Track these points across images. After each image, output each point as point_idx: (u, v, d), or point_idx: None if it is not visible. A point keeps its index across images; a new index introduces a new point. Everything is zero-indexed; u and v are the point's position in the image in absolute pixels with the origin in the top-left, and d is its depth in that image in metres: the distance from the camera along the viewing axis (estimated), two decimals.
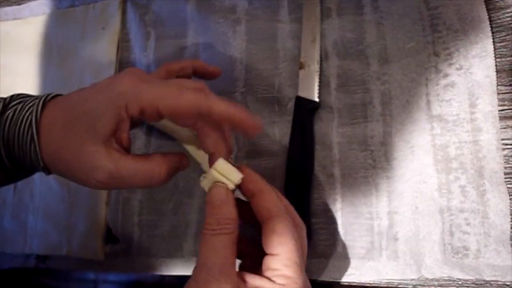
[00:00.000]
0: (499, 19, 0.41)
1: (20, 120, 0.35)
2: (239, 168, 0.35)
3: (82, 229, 0.51)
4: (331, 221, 0.42)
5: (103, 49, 0.53)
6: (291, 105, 0.45)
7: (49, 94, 0.36)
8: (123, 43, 0.53)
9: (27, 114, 0.35)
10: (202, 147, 0.35)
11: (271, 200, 0.34)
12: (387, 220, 0.41)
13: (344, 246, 0.41)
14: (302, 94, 0.44)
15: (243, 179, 0.34)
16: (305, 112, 0.44)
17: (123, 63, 0.53)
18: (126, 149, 0.35)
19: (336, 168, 0.43)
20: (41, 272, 0.55)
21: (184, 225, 0.47)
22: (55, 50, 0.56)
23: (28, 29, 0.58)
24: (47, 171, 0.35)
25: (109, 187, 0.37)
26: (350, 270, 0.41)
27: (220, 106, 0.32)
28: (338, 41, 0.45)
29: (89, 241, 0.50)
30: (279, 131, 0.45)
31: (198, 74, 0.44)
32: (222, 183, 0.33)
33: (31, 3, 0.58)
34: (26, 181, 0.55)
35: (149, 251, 0.48)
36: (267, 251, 0.32)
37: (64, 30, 0.56)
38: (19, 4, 0.59)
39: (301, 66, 0.45)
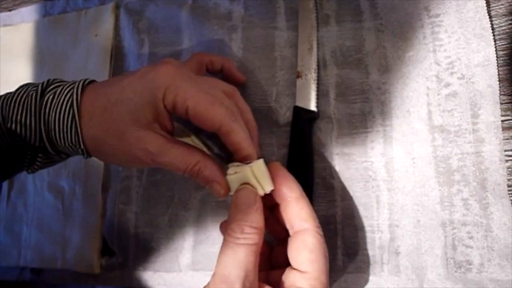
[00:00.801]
0: (501, 26, 0.40)
1: (60, 103, 0.35)
2: (272, 166, 0.34)
3: (77, 242, 0.50)
4: (332, 234, 0.41)
5: (96, 56, 0.52)
6: (289, 115, 0.44)
7: (86, 79, 0.37)
8: (116, 50, 0.52)
9: (67, 97, 0.35)
10: (232, 143, 0.34)
11: (307, 210, 0.33)
12: (389, 234, 0.40)
13: (344, 260, 0.41)
14: (300, 103, 0.43)
15: (277, 180, 0.33)
16: (304, 122, 0.43)
17: (116, 71, 0.52)
18: (170, 133, 0.36)
19: (336, 179, 0.42)
20: (36, 286, 0.54)
21: (181, 238, 0.46)
22: (47, 57, 0.55)
23: (19, 35, 0.56)
24: (87, 154, 0.36)
25: (148, 166, 0.37)
26: (351, 285, 0.40)
27: (237, 137, 0.34)
28: (336, 49, 0.44)
29: (85, 253, 0.49)
30: (277, 141, 0.44)
31: (225, 74, 0.44)
32: (252, 186, 0.32)
33: (22, 9, 0.57)
34: (20, 192, 0.54)
35: (146, 264, 0.47)
36: (295, 265, 0.31)
37: (56, 37, 0.55)
38: (10, 11, 0.58)
39: (298, 75, 0.44)
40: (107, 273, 0.49)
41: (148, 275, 0.47)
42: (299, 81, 0.44)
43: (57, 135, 0.35)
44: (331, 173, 0.42)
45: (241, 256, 0.29)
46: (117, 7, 0.53)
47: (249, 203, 0.31)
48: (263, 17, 0.47)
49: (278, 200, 0.34)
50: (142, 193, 0.48)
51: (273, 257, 0.37)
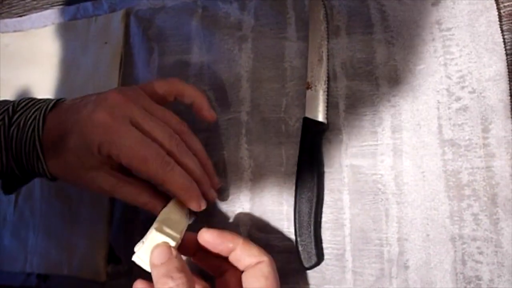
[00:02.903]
0: None
1: (25, 137, 0.38)
2: (202, 234, 0.37)
3: (84, 248, 0.50)
4: (340, 247, 0.41)
5: (105, 64, 0.52)
6: (298, 126, 0.44)
7: (48, 104, 0.39)
8: (126, 57, 0.52)
9: (30, 131, 0.38)
10: (169, 192, 0.40)
11: (257, 248, 0.37)
12: (397, 247, 0.40)
13: (353, 273, 0.40)
14: (309, 115, 0.43)
15: (217, 240, 0.36)
16: (313, 134, 0.43)
17: (126, 78, 0.52)
18: (124, 169, 0.39)
19: (345, 192, 0.42)
20: None
21: None
22: (56, 64, 0.55)
23: (29, 42, 0.57)
24: (56, 179, 0.40)
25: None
26: None
27: (172, 187, 0.38)
28: (346, 60, 0.44)
29: (91, 260, 0.49)
30: (286, 152, 0.44)
31: (195, 110, 0.44)
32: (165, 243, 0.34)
33: (33, 15, 0.57)
34: (27, 198, 0.54)
35: None
36: None
37: (66, 44, 0.55)
38: (20, 16, 0.58)
39: (308, 86, 0.44)
40: (113, 280, 0.48)
41: None
42: (308, 92, 0.44)
43: (27, 166, 0.39)
44: (340, 185, 0.42)
45: None
46: (127, 15, 0.53)
47: (166, 255, 0.33)
48: (273, 27, 0.47)
49: (227, 253, 0.37)
50: None
51: None
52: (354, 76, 0.44)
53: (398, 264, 0.39)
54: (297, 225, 0.42)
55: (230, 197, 0.45)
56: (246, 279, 0.35)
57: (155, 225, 0.34)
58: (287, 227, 0.43)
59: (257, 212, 0.44)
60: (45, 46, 0.56)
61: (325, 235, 0.42)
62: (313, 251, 0.41)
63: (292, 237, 0.42)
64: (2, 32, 0.58)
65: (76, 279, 0.50)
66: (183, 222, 0.37)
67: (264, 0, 0.48)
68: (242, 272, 0.37)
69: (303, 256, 0.41)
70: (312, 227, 0.41)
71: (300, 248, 0.41)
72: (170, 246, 0.33)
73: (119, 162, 0.37)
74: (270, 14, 0.47)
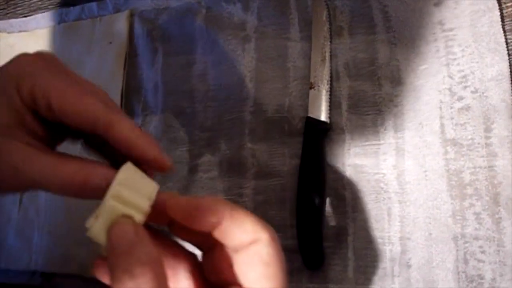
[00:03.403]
0: None
1: None
2: (173, 200, 0.26)
3: (90, 246, 0.50)
4: (343, 246, 0.41)
5: (110, 64, 0.53)
6: (301, 125, 0.44)
7: None
8: (130, 58, 0.53)
9: None
10: (118, 140, 0.27)
11: (251, 220, 0.25)
12: (400, 246, 0.40)
13: (355, 271, 0.41)
14: (312, 114, 0.44)
15: (194, 211, 0.25)
16: (316, 133, 0.43)
17: (130, 78, 0.52)
18: (44, 141, 0.28)
19: (347, 191, 0.42)
20: None
21: None
22: None
23: (35, 42, 0.57)
24: None
25: (15, 189, 0.27)
26: None
27: (123, 129, 0.26)
28: (349, 61, 0.44)
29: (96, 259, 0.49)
30: (289, 152, 0.45)
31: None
32: (126, 216, 0.23)
33: (38, 16, 0.57)
34: (32, 196, 0.55)
35: None
36: (246, 284, 0.24)
37: (70, 44, 0.55)
38: (26, 16, 0.58)
39: (311, 86, 0.44)
40: None
41: None
42: (311, 92, 0.44)
43: None
44: (343, 185, 0.42)
45: None
46: (131, 15, 0.53)
47: (128, 240, 0.23)
48: (277, 28, 0.47)
49: (209, 229, 0.25)
50: None
51: (207, 274, 0.28)
52: (356, 76, 0.44)
53: (400, 262, 0.39)
54: (299, 224, 0.42)
55: (233, 197, 0.45)
56: (238, 265, 0.25)
57: (111, 191, 0.24)
58: (290, 226, 0.43)
59: (260, 210, 0.44)
60: (50, 46, 0.56)
61: (328, 234, 0.42)
62: (316, 251, 0.41)
63: (295, 236, 0.42)
64: (8, 32, 0.59)
65: (80, 278, 0.50)
66: (150, 184, 0.25)
67: (267, 1, 0.48)
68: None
69: (305, 255, 0.42)
70: (314, 227, 0.42)
71: (302, 248, 0.42)
72: (133, 223, 0.23)
73: (47, 103, 0.26)
74: (273, 15, 0.48)
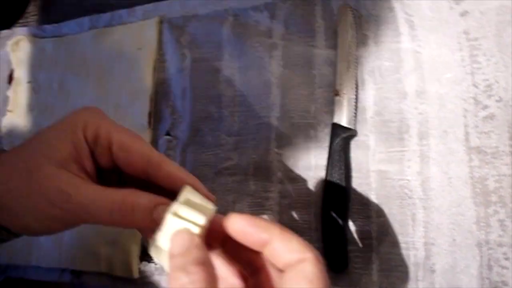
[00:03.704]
0: None
1: None
2: (231, 219, 0.28)
3: (118, 245, 0.52)
4: (367, 250, 0.42)
5: (139, 70, 0.54)
6: (327, 131, 0.45)
7: None
8: (159, 63, 0.54)
9: None
10: (166, 176, 0.31)
11: (297, 240, 0.27)
12: (424, 251, 0.41)
13: (379, 275, 0.42)
14: (337, 121, 0.45)
15: (248, 230, 0.27)
16: (341, 139, 0.44)
17: (159, 84, 0.54)
18: (91, 178, 0.31)
19: (372, 196, 0.43)
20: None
21: None
22: (92, 69, 0.57)
23: (66, 47, 0.59)
24: None
25: (63, 218, 0.30)
26: None
27: (171, 167, 0.31)
28: (375, 68, 0.45)
29: (124, 258, 0.51)
30: (314, 157, 0.46)
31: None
32: (184, 229, 0.27)
33: (70, 22, 0.59)
34: None
35: None
36: None
37: (100, 50, 0.57)
38: (58, 23, 0.60)
39: (336, 93, 0.45)
40: (145, 278, 0.50)
41: None
42: (337, 99, 0.45)
43: None
44: (368, 190, 0.43)
45: None
46: (160, 22, 0.55)
47: (185, 244, 0.26)
48: (303, 35, 0.49)
49: (260, 247, 0.27)
50: None
51: None
52: (382, 84, 0.45)
53: (424, 267, 0.40)
54: (324, 228, 0.43)
55: (259, 200, 0.47)
56: (284, 281, 0.27)
57: (173, 208, 0.27)
58: (315, 230, 0.44)
59: (285, 214, 0.46)
60: (81, 51, 0.58)
61: (353, 238, 0.43)
62: (340, 254, 0.42)
63: (319, 239, 0.44)
64: (40, 37, 0.61)
65: (109, 276, 0.52)
66: (208, 206, 0.29)
67: (294, 9, 0.49)
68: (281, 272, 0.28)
69: (330, 259, 0.43)
70: (339, 230, 0.43)
71: (327, 251, 0.43)
72: (190, 231, 0.26)
73: (108, 142, 0.31)
74: (299, 23, 0.49)
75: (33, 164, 0.29)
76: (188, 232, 0.26)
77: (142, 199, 0.29)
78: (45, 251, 0.56)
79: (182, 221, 0.27)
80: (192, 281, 0.23)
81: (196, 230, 0.27)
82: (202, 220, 0.27)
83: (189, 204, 0.28)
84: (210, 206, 0.29)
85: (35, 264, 0.55)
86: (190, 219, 0.27)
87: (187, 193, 0.29)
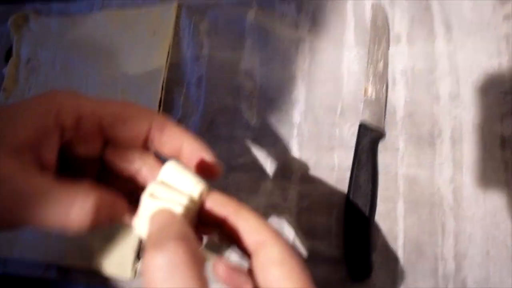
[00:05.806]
0: None
1: None
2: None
3: (112, 244, 0.47)
4: (392, 258, 0.39)
5: (152, 55, 0.51)
6: (353, 130, 0.43)
7: None
8: (174, 49, 0.51)
9: None
10: (171, 139, 0.28)
11: (255, 220, 0.24)
12: (454, 263, 0.38)
13: (405, 287, 0.39)
14: (365, 121, 0.42)
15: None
16: (368, 140, 0.42)
17: (173, 71, 0.50)
18: (49, 171, 0.26)
19: (399, 201, 0.40)
20: (61, 285, 0.51)
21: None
22: (101, 51, 0.53)
23: (74, 27, 0.55)
24: None
25: (9, 220, 0.24)
26: None
27: (176, 129, 0.27)
28: (407, 69, 0.43)
29: (120, 257, 0.47)
30: (338, 158, 0.43)
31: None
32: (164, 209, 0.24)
33: (80, 1, 0.56)
34: None
35: None
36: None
37: (112, 32, 0.54)
38: (67, 1, 0.57)
39: (365, 92, 0.43)
40: (139, 278, 0.46)
41: None
42: (366, 98, 0.43)
43: None
44: (395, 195, 0.41)
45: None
46: (179, 7, 0.52)
47: (161, 221, 0.23)
48: (332, 31, 0.46)
49: (212, 223, 0.26)
50: None
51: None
52: (414, 85, 0.43)
53: (455, 281, 0.37)
54: (347, 233, 0.40)
55: (275, 200, 0.43)
56: (255, 271, 0.24)
57: (148, 190, 0.25)
58: (335, 235, 0.41)
59: (304, 216, 0.42)
60: (90, 32, 0.54)
61: (377, 245, 0.40)
62: (363, 262, 0.39)
63: (340, 246, 0.40)
64: (46, 15, 0.57)
65: (99, 275, 0.47)
66: (193, 180, 0.25)
67: (324, 3, 0.47)
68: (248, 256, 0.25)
69: (351, 266, 0.39)
70: (363, 236, 0.40)
71: (348, 258, 0.40)
72: (169, 210, 0.24)
73: (97, 120, 0.26)
74: (328, 18, 0.47)
75: None
76: (168, 211, 0.24)
77: (82, 200, 0.23)
78: (30, 244, 0.51)
79: (161, 202, 0.24)
80: (169, 258, 0.20)
81: (179, 209, 0.24)
82: (184, 199, 0.24)
83: (170, 181, 0.25)
84: (199, 183, 0.25)
85: (18, 257, 0.50)
86: (171, 199, 0.24)
87: (170, 169, 0.25)
